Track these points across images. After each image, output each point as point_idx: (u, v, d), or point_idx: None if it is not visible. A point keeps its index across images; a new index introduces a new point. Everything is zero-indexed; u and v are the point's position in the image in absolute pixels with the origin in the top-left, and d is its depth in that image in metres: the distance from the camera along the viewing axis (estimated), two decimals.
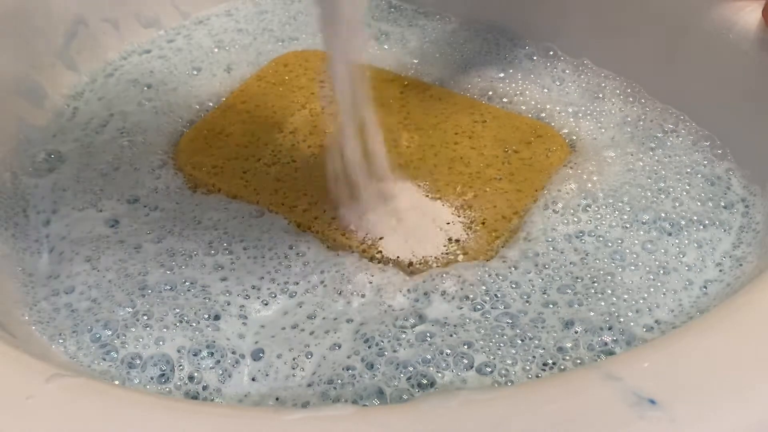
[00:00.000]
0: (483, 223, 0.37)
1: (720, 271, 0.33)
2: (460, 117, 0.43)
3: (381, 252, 0.35)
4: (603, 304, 0.31)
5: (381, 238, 0.36)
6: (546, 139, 0.41)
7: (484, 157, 0.40)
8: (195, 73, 0.49)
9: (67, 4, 0.47)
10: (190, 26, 0.53)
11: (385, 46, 0.52)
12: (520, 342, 0.30)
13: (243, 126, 0.44)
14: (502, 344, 0.30)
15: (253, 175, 0.41)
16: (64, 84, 0.46)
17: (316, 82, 0.48)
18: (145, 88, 0.47)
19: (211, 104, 0.47)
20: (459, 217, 0.37)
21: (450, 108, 0.44)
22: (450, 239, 0.36)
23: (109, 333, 0.31)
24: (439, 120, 0.43)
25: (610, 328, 0.30)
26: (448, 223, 0.36)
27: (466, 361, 0.29)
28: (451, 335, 0.30)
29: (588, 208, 0.37)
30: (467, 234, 0.36)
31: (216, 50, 0.51)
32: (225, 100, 0.47)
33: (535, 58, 0.48)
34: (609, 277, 0.33)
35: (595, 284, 0.32)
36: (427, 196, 0.38)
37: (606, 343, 0.30)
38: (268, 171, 0.41)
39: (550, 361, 0.29)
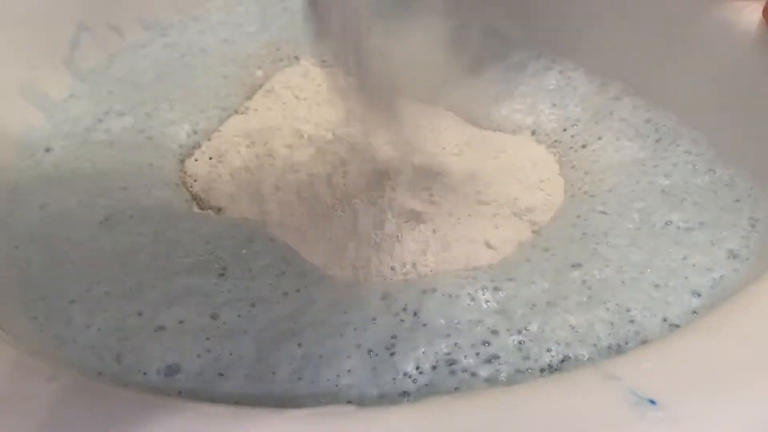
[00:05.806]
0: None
1: (723, 269, 0.33)
2: None
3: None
4: (608, 303, 0.31)
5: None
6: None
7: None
8: (193, 72, 0.49)
9: (69, 8, 0.47)
10: (189, 23, 0.53)
11: (388, 46, 0.52)
12: (526, 341, 0.30)
13: (246, 142, 0.44)
14: (504, 343, 0.30)
15: (254, 191, 0.41)
16: (63, 84, 0.46)
17: (324, 98, 0.48)
18: (143, 88, 0.47)
19: (209, 104, 0.47)
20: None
21: None
22: None
23: (105, 333, 0.31)
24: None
25: (615, 325, 0.30)
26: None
27: (468, 361, 0.29)
28: (452, 335, 0.30)
29: (593, 210, 0.37)
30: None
31: (215, 50, 0.51)
32: (231, 118, 0.46)
33: (537, 58, 0.48)
34: (614, 277, 0.33)
35: (600, 284, 0.32)
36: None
37: (613, 340, 0.30)
38: (271, 189, 0.41)
39: (555, 360, 0.29)
